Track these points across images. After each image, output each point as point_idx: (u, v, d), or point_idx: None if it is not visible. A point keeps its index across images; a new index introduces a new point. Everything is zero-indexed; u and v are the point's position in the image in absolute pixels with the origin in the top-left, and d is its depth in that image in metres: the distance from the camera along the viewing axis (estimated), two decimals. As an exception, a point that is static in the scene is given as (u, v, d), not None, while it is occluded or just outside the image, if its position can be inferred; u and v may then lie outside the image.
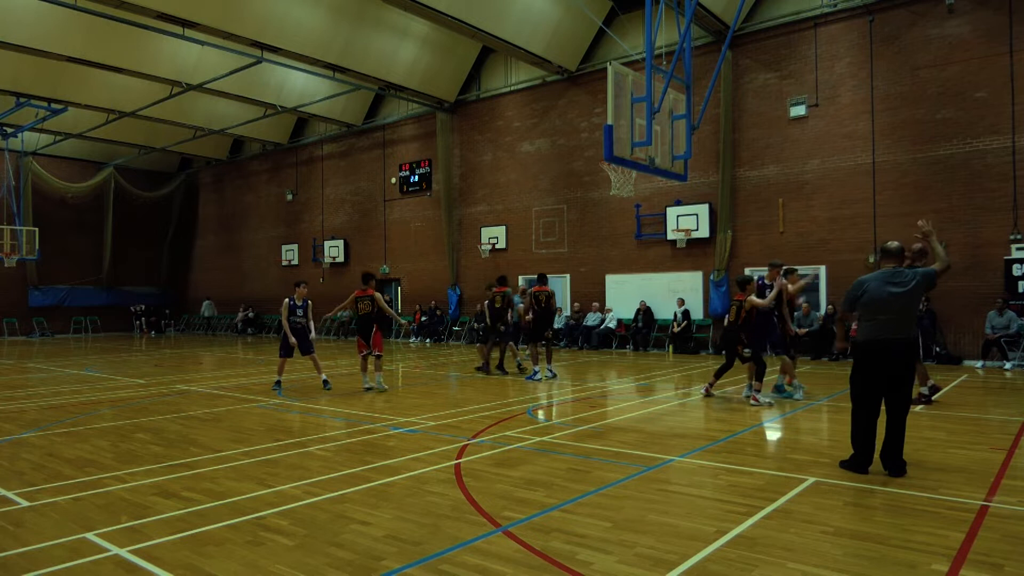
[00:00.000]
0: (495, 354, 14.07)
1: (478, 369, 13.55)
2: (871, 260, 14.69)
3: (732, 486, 5.37)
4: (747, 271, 17.15)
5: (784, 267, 9.89)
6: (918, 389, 9.39)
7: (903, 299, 5.58)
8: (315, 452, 6.73)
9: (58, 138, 26.69)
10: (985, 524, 4.42)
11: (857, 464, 5.68)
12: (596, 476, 5.71)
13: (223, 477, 5.80)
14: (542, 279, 12.89)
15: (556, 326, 19.95)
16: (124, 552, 4.09)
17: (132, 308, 31.06)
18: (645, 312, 18.32)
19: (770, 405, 9.25)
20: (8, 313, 28.44)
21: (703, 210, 17.54)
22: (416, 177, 24.14)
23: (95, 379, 13.27)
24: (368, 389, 11.02)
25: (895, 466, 5.57)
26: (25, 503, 5.13)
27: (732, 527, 4.40)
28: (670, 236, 18.03)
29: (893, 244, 5.80)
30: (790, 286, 9.94)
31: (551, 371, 12.61)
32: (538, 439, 7.23)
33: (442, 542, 4.20)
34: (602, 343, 18.84)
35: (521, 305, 13.44)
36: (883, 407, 5.67)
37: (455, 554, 4.01)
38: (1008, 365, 13.28)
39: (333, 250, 26.51)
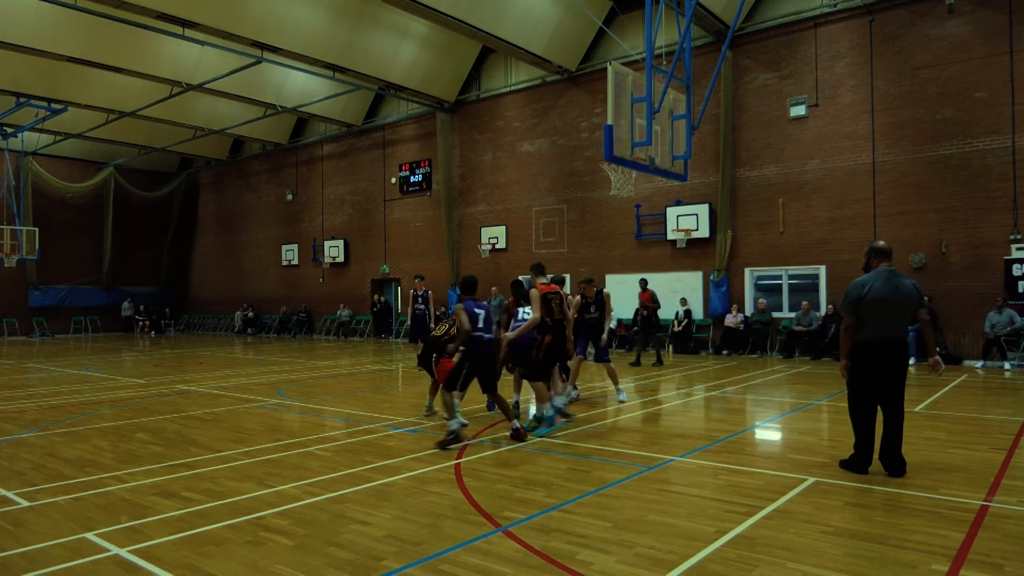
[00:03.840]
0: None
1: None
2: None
3: (732, 486, 5.37)
4: (747, 271, 17.24)
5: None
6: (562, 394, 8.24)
7: (902, 300, 5.61)
8: (315, 452, 6.73)
9: (58, 138, 26.69)
10: (985, 524, 4.42)
11: (857, 464, 5.68)
12: (596, 476, 5.70)
13: (223, 477, 5.79)
14: (538, 269, 8.42)
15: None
16: (124, 552, 4.09)
17: (137, 317, 30.88)
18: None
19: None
20: (8, 313, 28.44)
21: (703, 210, 17.54)
22: (416, 177, 24.14)
23: (95, 379, 13.27)
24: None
25: (894, 465, 5.57)
26: (25, 503, 5.13)
27: (732, 527, 4.40)
28: (670, 236, 18.03)
29: (883, 243, 5.88)
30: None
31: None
32: (538, 439, 7.22)
33: (442, 542, 4.20)
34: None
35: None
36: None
37: (455, 554, 4.01)
38: (1007, 365, 13.28)
39: (333, 250, 26.51)
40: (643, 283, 15.17)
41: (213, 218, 32.82)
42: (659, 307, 15.36)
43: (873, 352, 5.62)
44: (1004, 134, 13.89)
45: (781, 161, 16.63)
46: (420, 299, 14.07)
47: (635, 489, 5.32)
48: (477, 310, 7.23)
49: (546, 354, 7.72)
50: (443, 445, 6.78)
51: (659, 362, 14.74)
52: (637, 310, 16.01)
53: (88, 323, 30.72)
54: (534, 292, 7.68)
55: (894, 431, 5.58)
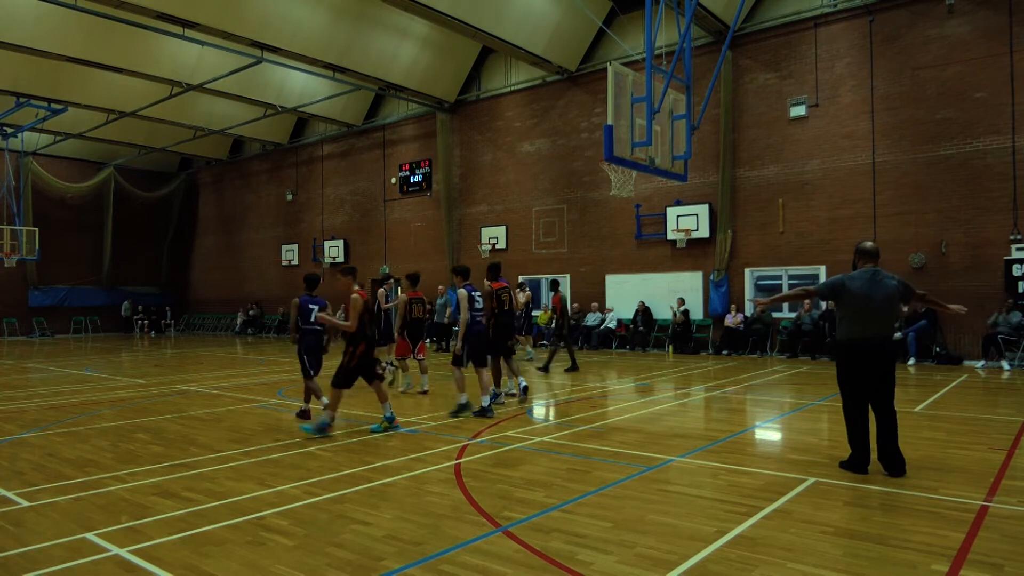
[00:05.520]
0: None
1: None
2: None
3: (732, 486, 5.37)
4: (747, 271, 17.25)
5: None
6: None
7: (886, 299, 5.67)
8: (315, 452, 6.73)
9: (58, 138, 26.69)
10: (985, 524, 4.42)
11: (856, 464, 5.68)
12: (596, 476, 5.70)
13: (223, 477, 5.79)
14: (496, 271, 10.13)
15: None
16: (124, 552, 4.09)
17: (136, 317, 30.94)
18: (643, 312, 18.31)
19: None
20: (8, 313, 28.44)
21: (703, 210, 17.54)
22: (416, 177, 24.15)
23: (95, 379, 13.27)
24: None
25: (893, 464, 5.57)
26: (25, 503, 5.13)
27: (732, 527, 4.40)
28: (670, 236, 18.03)
29: (869, 244, 5.92)
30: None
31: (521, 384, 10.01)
32: (538, 439, 7.23)
33: (442, 542, 4.20)
34: (602, 343, 18.84)
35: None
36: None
37: (455, 554, 4.01)
38: (1006, 364, 13.27)
39: (333, 250, 26.51)
40: (554, 285, 13.82)
41: (213, 218, 32.82)
42: (568, 312, 14.06)
43: (856, 352, 5.68)
44: (1004, 134, 13.89)
45: (781, 161, 16.63)
46: (389, 299, 13.98)
47: (635, 489, 5.32)
48: (312, 305, 8.30)
49: (360, 362, 7.55)
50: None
51: (573, 367, 13.30)
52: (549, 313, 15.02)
53: (88, 323, 30.72)
54: (354, 298, 7.51)
55: (887, 430, 5.59)
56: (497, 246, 21.68)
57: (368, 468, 6.04)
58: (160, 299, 32.73)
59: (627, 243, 19.11)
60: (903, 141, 15.00)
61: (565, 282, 20.38)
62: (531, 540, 4.20)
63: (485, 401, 8.57)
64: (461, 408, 8.58)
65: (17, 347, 22.84)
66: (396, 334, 10.94)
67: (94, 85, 21.49)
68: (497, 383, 9.72)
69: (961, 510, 4.71)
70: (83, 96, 21.69)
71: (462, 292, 8.60)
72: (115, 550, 4.12)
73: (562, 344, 13.61)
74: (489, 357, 9.31)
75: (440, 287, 19.01)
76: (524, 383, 10.00)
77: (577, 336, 19.23)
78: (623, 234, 19.19)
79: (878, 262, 5.86)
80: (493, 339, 9.43)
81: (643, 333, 18.32)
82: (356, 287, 7.73)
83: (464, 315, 8.56)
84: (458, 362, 8.68)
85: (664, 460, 6.23)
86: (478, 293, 8.80)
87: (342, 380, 7.53)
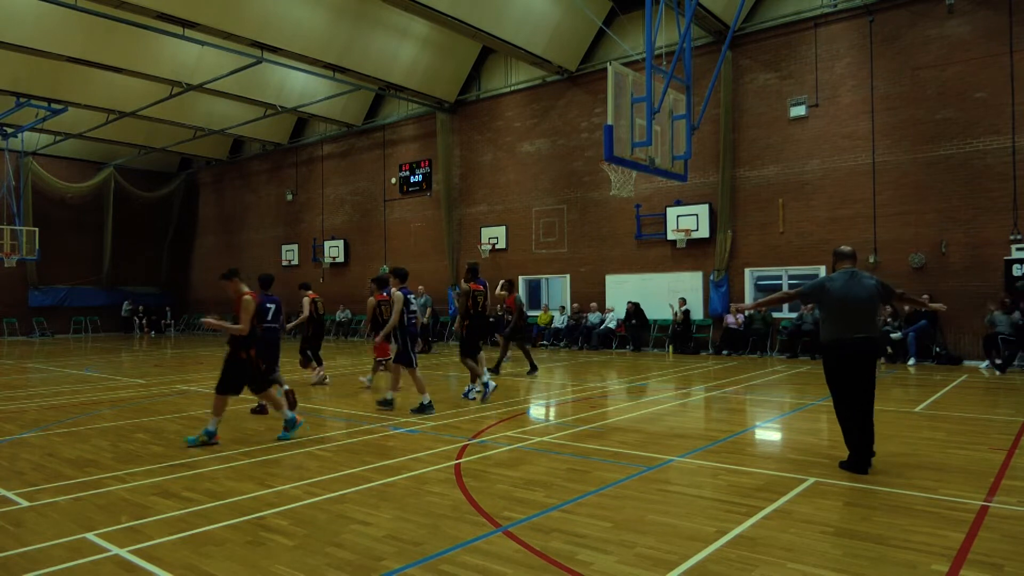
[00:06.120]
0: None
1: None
2: (871, 260, 14.78)
3: (732, 486, 5.37)
4: (747, 271, 17.25)
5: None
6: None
7: (866, 300, 5.73)
8: (315, 452, 6.73)
9: (58, 138, 26.69)
10: (985, 524, 4.42)
11: (855, 464, 5.69)
12: (596, 476, 5.70)
13: (223, 477, 5.79)
14: (474, 272, 10.52)
15: (556, 325, 19.97)
16: (124, 552, 4.09)
17: (136, 316, 30.89)
18: (635, 312, 18.20)
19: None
20: (8, 313, 28.43)
21: (703, 210, 17.54)
22: (416, 177, 24.15)
23: (95, 379, 13.27)
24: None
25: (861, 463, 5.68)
26: (25, 503, 5.13)
27: (732, 527, 4.40)
28: (670, 236, 18.03)
29: (846, 247, 6.05)
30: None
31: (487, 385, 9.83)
32: (538, 439, 7.23)
33: (442, 542, 4.20)
34: (602, 343, 18.84)
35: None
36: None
37: (455, 554, 4.01)
38: (990, 364, 13.25)
39: (333, 250, 26.51)
40: (508, 285, 13.50)
41: (213, 218, 32.81)
42: (525, 313, 14.16)
43: (838, 351, 5.75)
44: (1004, 134, 13.89)
45: (781, 161, 16.63)
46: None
47: (635, 489, 5.32)
48: (268, 304, 8.67)
49: (254, 364, 7.33)
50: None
51: (533, 369, 12.94)
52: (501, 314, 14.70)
53: (88, 323, 30.71)
54: (246, 299, 7.23)
55: (863, 430, 5.66)
56: (497, 246, 21.69)
57: (368, 468, 6.04)
58: (160, 299, 32.70)
59: (627, 243, 19.11)
60: (903, 141, 15.00)
61: (565, 282, 20.39)
62: (531, 540, 4.20)
63: (394, 400, 9.10)
64: (423, 408, 8.74)
65: (17, 347, 22.84)
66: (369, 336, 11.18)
67: (94, 85, 21.49)
68: (473, 379, 10.06)
69: (961, 510, 4.71)
70: (83, 96, 21.69)
71: (397, 295, 8.76)
72: (115, 550, 4.12)
73: (513, 344, 13.64)
74: (470, 356, 9.98)
75: (420, 287, 19.23)
76: (492, 385, 9.90)
77: (577, 336, 19.26)
78: (623, 234, 19.19)
79: (855, 263, 5.98)
80: (467, 338, 10.03)
81: (636, 327, 18.22)
82: (244, 289, 7.29)
83: (395, 318, 8.70)
84: (409, 362, 8.78)
85: (664, 460, 6.23)
86: (413, 296, 9.09)
87: (260, 384, 7.31)
